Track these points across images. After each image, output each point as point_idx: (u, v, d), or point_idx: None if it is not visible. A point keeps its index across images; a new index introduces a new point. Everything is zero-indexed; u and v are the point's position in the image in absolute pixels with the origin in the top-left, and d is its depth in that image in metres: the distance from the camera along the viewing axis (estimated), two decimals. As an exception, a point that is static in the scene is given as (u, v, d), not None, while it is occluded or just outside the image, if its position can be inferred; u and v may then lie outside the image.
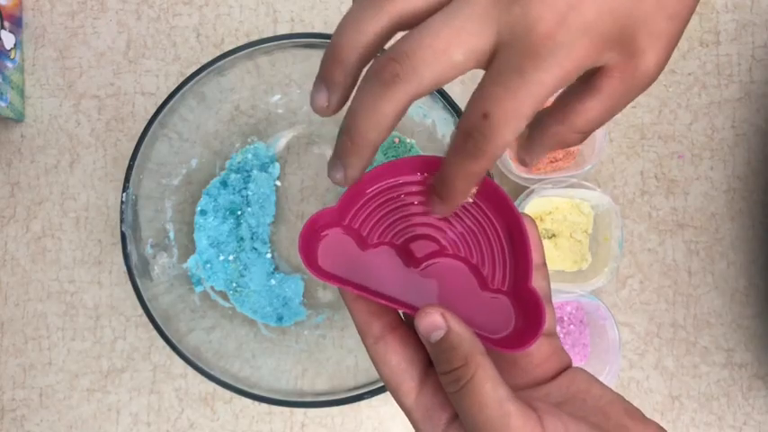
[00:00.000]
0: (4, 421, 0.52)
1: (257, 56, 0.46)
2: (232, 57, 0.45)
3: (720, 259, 0.52)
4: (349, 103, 0.27)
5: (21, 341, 0.52)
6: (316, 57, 0.47)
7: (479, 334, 0.27)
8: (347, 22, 0.26)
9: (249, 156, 0.51)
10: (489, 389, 0.25)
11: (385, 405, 0.52)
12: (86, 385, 0.52)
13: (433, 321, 0.26)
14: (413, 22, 0.26)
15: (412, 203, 0.29)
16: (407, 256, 0.29)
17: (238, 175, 0.51)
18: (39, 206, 0.52)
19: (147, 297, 0.45)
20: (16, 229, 0.52)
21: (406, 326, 0.29)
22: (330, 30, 0.52)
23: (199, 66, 0.45)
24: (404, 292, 0.29)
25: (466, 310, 0.28)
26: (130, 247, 0.45)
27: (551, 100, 0.30)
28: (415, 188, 0.29)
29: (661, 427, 0.28)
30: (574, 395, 0.28)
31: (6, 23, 0.50)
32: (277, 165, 0.51)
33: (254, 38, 0.45)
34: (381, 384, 0.45)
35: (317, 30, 0.52)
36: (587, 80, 0.27)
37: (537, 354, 0.29)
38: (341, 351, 0.50)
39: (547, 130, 0.28)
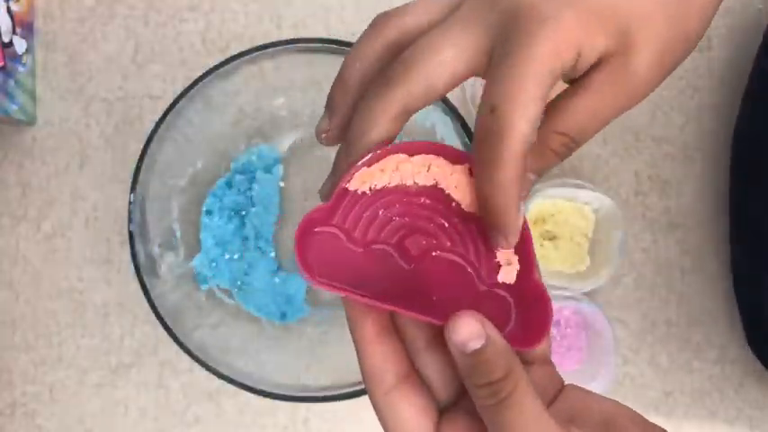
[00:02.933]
0: (16, 415, 0.53)
1: (261, 60, 0.47)
2: (237, 61, 0.46)
3: (713, 258, 0.53)
4: None
5: (32, 338, 0.53)
6: (318, 61, 0.48)
7: None
8: (352, 48, 0.27)
9: (253, 157, 0.52)
10: (530, 401, 0.24)
11: (386, 400, 0.53)
12: (95, 380, 0.53)
13: (471, 330, 0.24)
14: (407, 43, 0.26)
15: (408, 190, 0.27)
16: (403, 253, 0.27)
17: (243, 177, 0.52)
18: (49, 206, 0.53)
19: (155, 295, 0.46)
20: (27, 229, 0.53)
21: (416, 374, 0.27)
22: (332, 35, 0.53)
23: (205, 70, 0.46)
24: (403, 292, 0.26)
25: (464, 306, 0.25)
26: (138, 247, 0.46)
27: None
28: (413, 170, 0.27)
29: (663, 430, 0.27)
30: (575, 414, 0.26)
31: (18, 29, 0.51)
32: (280, 166, 0.53)
33: (259, 43, 0.46)
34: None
35: (319, 35, 0.53)
36: (578, 81, 0.26)
37: (541, 377, 0.27)
38: (343, 347, 0.51)
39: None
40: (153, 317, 0.46)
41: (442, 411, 0.27)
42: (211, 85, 0.47)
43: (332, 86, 0.28)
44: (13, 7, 0.51)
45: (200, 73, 0.46)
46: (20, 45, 0.51)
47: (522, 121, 0.23)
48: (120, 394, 0.53)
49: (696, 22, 0.26)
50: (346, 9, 0.54)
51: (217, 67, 0.46)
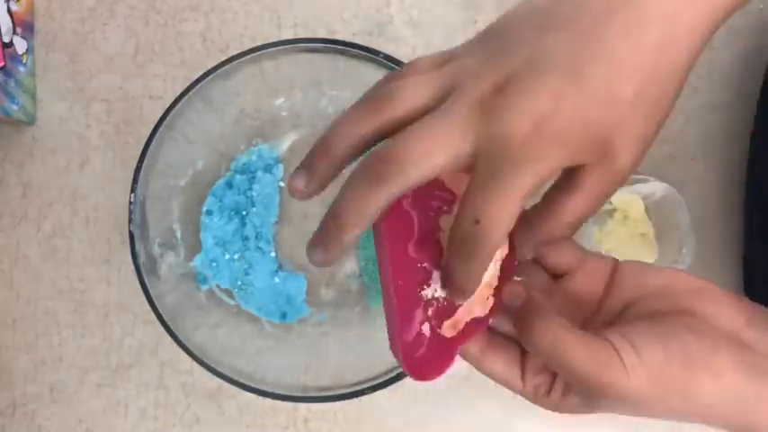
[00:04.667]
0: (16, 415, 0.53)
1: (262, 60, 0.47)
2: (237, 61, 0.46)
3: (714, 258, 0.53)
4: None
5: (32, 338, 0.53)
6: (318, 61, 0.48)
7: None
8: (341, 121, 0.29)
9: (254, 157, 0.52)
10: (563, 330, 0.28)
11: (386, 400, 0.53)
12: (95, 380, 0.53)
13: (512, 291, 0.31)
14: (398, 128, 0.28)
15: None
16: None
17: (243, 177, 0.52)
18: (50, 206, 0.53)
19: (155, 295, 0.46)
20: (28, 229, 0.53)
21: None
22: (332, 35, 0.53)
23: (205, 70, 0.46)
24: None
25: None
26: (138, 247, 0.46)
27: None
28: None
29: (725, 291, 0.30)
30: (630, 297, 0.31)
31: (19, 29, 0.51)
32: (281, 166, 0.53)
33: (259, 43, 0.46)
34: (383, 380, 0.46)
35: (319, 35, 0.53)
36: (569, 176, 0.29)
37: (586, 278, 0.33)
38: (343, 347, 0.52)
39: (538, 228, 0.30)
40: (153, 317, 0.46)
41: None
42: (211, 85, 0.47)
43: (316, 149, 0.30)
44: (13, 7, 0.51)
45: (200, 73, 0.46)
46: (20, 45, 0.51)
47: (499, 235, 0.28)
48: (120, 394, 0.53)
49: (669, 104, 0.28)
50: (346, 9, 0.53)
51: (217, 67, 0.46)
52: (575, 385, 0.29)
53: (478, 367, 0.33)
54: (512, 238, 0.32)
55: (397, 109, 0.28)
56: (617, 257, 0.33)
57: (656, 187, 0.50)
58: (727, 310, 0.29)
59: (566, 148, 0.27)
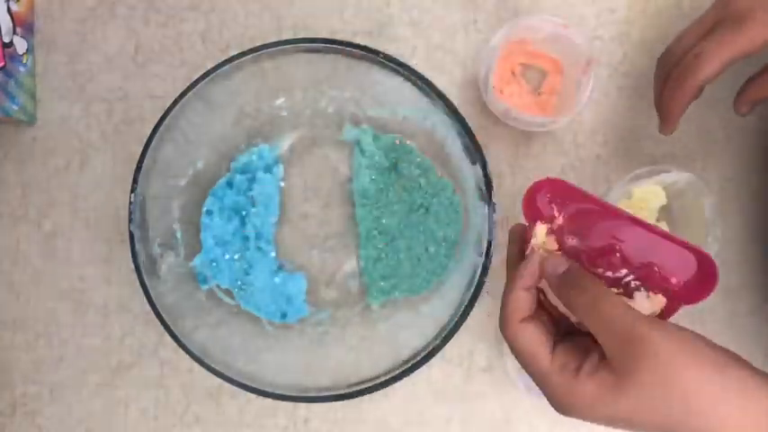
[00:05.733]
0: (16, 416, 0.53)
1: (262, 60, 0.47)
2: (237, 61, 0.46)
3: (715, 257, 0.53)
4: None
5: (32, 338, 0.53)
6: (318, 61, 0.48)
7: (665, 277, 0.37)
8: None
9: (254, 157, 0.52)
10: (615, 298, 0.34)
11: (386, 400, 0.53)
12: (96, 380, 0.53)
13: (556, 261, 0.36)
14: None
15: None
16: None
17: (243, 176, 0.52)
18: (50, 206, 0.53)
19: (155, 295, 0.46)
20: (28, 229, 0.53)
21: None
22: (332, 35, 0.53)
23: (205, 70, 0.46)
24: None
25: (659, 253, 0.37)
26: (138, 247, 0.46)
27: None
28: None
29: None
30: None
31: (19, 29, 0.51)
32: (281, 166, 0.53)
33: (259, 43, 0.46)
34: (383, 380, 0.46)
35: (319, 35, 0.53)
36: None
37: None
38: (343, 347, 0.52)
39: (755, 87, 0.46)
40: (153, 317, 0.46)
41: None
42: (211, 85, 0.47)
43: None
44: (13, 7, 0.51)
45: (200, 73, 0.46)
46: (20, 45, 0.51)
47: (710, 70, 0.41)
48: (120, 394, 0.53)
49: None
50: (346, 9, 0.54)
51: (217, 67, 0.46)
52: (610, 345, 0.33)
53: (513, 336, 0.36)
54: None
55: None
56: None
57: (679, 177, 0.50)
58: None
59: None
